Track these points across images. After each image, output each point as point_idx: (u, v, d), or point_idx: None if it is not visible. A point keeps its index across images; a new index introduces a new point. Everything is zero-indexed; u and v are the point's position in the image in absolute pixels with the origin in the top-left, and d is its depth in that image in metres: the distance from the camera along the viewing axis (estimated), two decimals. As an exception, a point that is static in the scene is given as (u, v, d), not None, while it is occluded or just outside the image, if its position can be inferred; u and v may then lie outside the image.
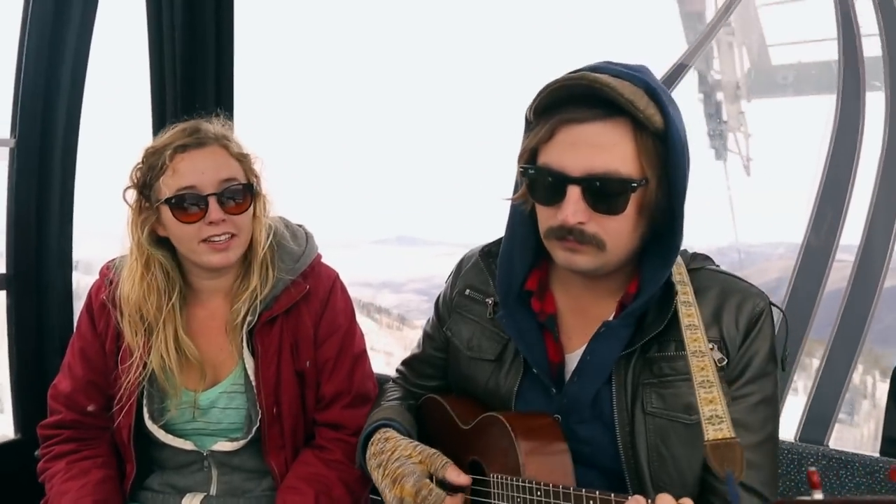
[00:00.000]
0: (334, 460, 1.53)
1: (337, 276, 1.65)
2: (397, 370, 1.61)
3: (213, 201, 1.43)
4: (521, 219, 1.25)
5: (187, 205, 1.42)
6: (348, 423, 1.56)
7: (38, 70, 1.99)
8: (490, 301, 1.34)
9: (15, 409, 1.99)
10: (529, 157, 1.17)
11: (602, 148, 1.09)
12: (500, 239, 1.35)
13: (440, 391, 1.48)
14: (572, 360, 1.24)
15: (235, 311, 1.52)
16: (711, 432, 0.98)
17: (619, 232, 1.12)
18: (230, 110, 2.39)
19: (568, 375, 1.23)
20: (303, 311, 1.56)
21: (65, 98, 2.04)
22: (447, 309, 1.44)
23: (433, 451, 1.25)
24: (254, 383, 1.52)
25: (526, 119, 1.19)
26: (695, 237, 1.19)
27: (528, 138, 1.16)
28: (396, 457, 1.26)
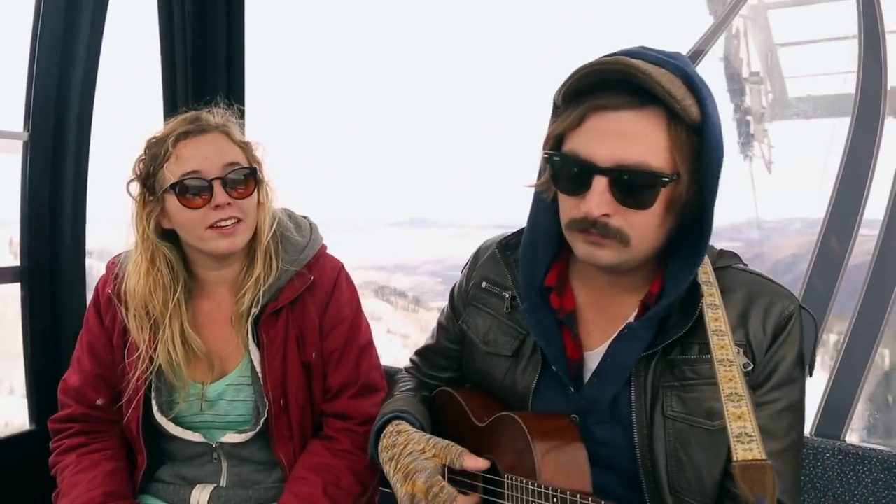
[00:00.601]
0: (342, 450, 1.53)
1: (342, 267, 1.64)
2: (411, 360, 1.59)
3: (217, 185, 1.42)
4: (545, 208, 1.20)
5: (192, 190, 1.42)
6: (356, 414, 1.56)
7: (51, 63, 1.99)
8: (507, 295, 1.30)
9: (30, 400, 2.02)
10: (555, 144, 1.12)
11: (634, 138, 1.03)
12: (519, 231, 1.31)
13: (454, 383, 1.46)
14: (591, 357, 1.20)
15: (240, 301, 1.51)
16: (741, 452, 0.92)
17: (644, 227, 1.07)
18: (241, 100, 2.39)
19: (587, 373, 1.20)
20: (308, 303, 1.56)
21: (77, 91, 2.05)
22: (462, 301, 1.41)
23: (446, 442, 1.22)
24: (260, 375, 1.52)
25: (554, 103, 1.14)
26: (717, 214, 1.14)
27: (556, 123, 1.11)
28: (409, 451, 1.24)
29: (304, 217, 1.68)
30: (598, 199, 1.04)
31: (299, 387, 1.55)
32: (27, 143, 2.00)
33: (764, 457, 0.91)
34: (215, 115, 1.51)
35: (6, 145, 2.04)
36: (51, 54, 1.99)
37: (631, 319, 1.17)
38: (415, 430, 1.30)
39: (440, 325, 1.50)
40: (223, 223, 1.43)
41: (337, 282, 1.60)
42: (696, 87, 1.04)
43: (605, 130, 1.05)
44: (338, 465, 1.51)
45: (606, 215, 1.05)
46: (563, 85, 1.10)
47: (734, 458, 0.92)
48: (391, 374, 1.74)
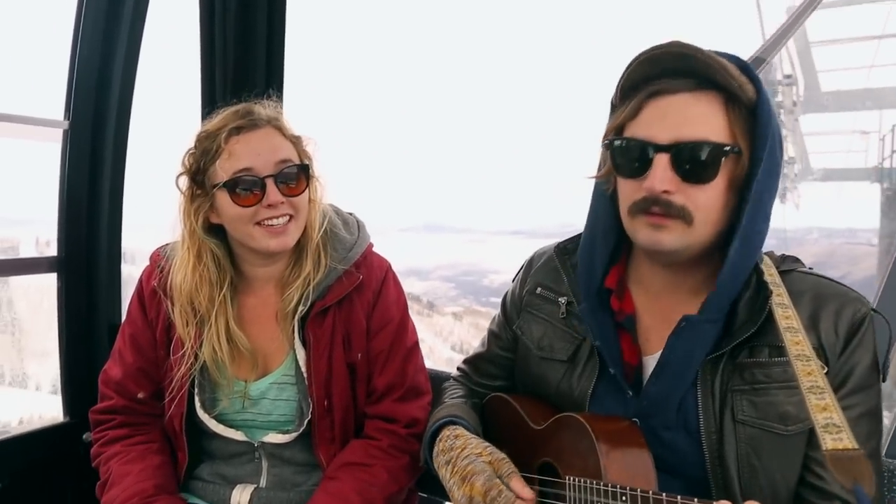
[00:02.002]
0: (381, 449, 1.50)
1: (389, 267, 1.61)
2: (459, 369, 1.57)
3: (270, 183, 1.39)
4: (604, 203, 1.20)
5: (244, 188, 1.39)
6: (400, 416, 1.53)
7: (92, 51, 1.98)
8: (563, 301, 1.30)
9: (64, 392, 2.00)
10: (614, 137, 1.12)
11: (692, 118, 1.05)
12: (577, 236, 1.30)
13: (504, 391, 1.43)
14: (650, 363, 1.17)
15: (287, 298, 1.48)
16: (830, 442, 0.89)
17: (707, 205, 1.07)
18: (280, 94, 2.36)
19: (646, 379, 1.17)
20: (355, 302, 1.52)
21: (118, 80, 2.03)
22: (516, 307, 1.40)
23: (502, 455, 1.20)
24: (305, 375, 1.49)
25: (612, 105, 1.15)
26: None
27: (614, 117, 1.13)
28: (466, 454, 1.22)
29: (351, 214, 1.64)
30: (660, 175, 1.05)
31: (344, 388, 1.52)
32: (67, 132, 1.98)
33: (856, 445, 0.88)
34: (266, 107, 1.48)
35: (44, 134, 2.02)
36: (92, 42, 1.97)
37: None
38: (471, 434, 1.28)
39: (491, 333, 1.48)
40: (274, 222, 1.41)
41: (385, 281, 1.56)
42: (748, 70, 1.06)
43: (663, 113, 1.07)
44: (374, 465, 1.47)
45: (668, 192, 1.05)
46: (621, 78, 1.11)
47: (824, 447, 0.89)
48: (433, 377, 1.70)
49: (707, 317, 1.10)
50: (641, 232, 1.10)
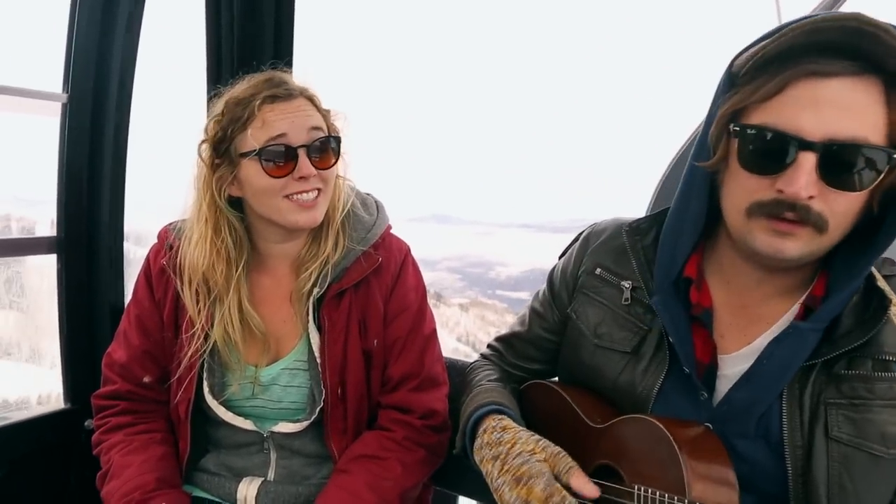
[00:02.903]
0: (395, 441, 1.41)
1: (409, 250, 1.51)
2: (490, 346, 1.47)
3: (302, 154, 1.31)
4: (699, 191, 1.06)
5: (277, 157, 1.30)
6: (416, 407, 1.44)
7: (91, 21, 1.87)
8: (627, 285, 1.18)
9: (65, 377, 1.91)
10: (730, 119, 0.97)
11: (850, 111, 0.88)
12: (649, 217, 1.19)
13: (542, 375, 1.33)
14: (726, 363, 1.07)
15: (303, 279, 1.40)
16: None
17: (845, 214, 0.93)
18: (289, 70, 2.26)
19: (720, 379, 1.06)
20: (373, 286, 1.43)
21: (119, 50, 1.91)
22: (567, 287, 1.28)
23: (557, 449, 1.08)
24: (318, 360, 1.40)
25: (731, 74, 0.99)
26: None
27: (738, 96, 0.96)
28: (518, 451, 1.09)
29: (368, 194, 1.55)
30: (806, 179, 0.89)
31: (358, 375, 1.43)
32: (66, 105, 1.88)
33: None
34: (295, 78, 1.39)
35: (42, 108, 1.92)
36: (91, 10, 1.86)
37: (791, 320, 1.03)
38: (520, 427, 1.16)
39: (534, 312, 1.37)
40: (304, 196, 1.32)
41: (403, 265, 1.47)
42: None
43: (816, 100, 0.89)
44: (387, 457, 1.39)
45: (811, 197, 0.91)
46: (761, 48, 0.93)
47: None
48: (451, 366, 1.61)
49: (816, 326, 0.99)
50: (760, 237, 0.96)
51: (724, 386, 1.06)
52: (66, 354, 1.91)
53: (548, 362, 1.35)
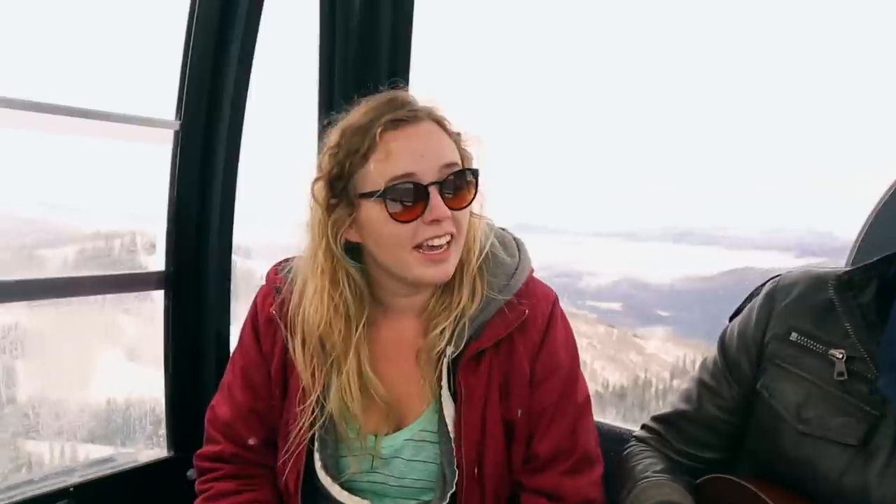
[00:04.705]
0: None
1: (556, 299, 1.26)
2: (647, 427, 1.22)
3: (434, 192, 1.09)
4: None
5: (406, 198, 1.09)
6: (568, 494, 1.18)
7: (205, 47, 1.78)
8: (839, 355, 0.94)
9: (168, 425, 1.81)
10: None
11: None
12: (865, 267, 0.95)
13: (718, 465, 1.09)
14: None
15: (434, 336, 1.17)
16: None
17: None
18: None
19: None
20: (517, 344, 1.19)
21: (232, 77, 1.82)
22: (749, 356, 1.05)
23: None
24: (452, 434, 1.17)
25: None
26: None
27: None
28: None
29: (504, 229, 1.32)
30: None
31: (498, 452, 1.19)
32: (178, 133, 1.80)
33: None
34: (417, 96, 1.18)
35: (154, 135, 1.85)
36: (206, 37, 1.78)
37: None
38: None
39: (703, 386, 1.13)
40: (436, 241, 1.11)
41: (552, 317, 1.23)
42: None
43: None
44: None
45: None
46: None
47: None
48: (605, 435, 1.35)
49: None
50: None
51: None
52: (170, 398, 1.80)
53: (725, 450, 1.12)
